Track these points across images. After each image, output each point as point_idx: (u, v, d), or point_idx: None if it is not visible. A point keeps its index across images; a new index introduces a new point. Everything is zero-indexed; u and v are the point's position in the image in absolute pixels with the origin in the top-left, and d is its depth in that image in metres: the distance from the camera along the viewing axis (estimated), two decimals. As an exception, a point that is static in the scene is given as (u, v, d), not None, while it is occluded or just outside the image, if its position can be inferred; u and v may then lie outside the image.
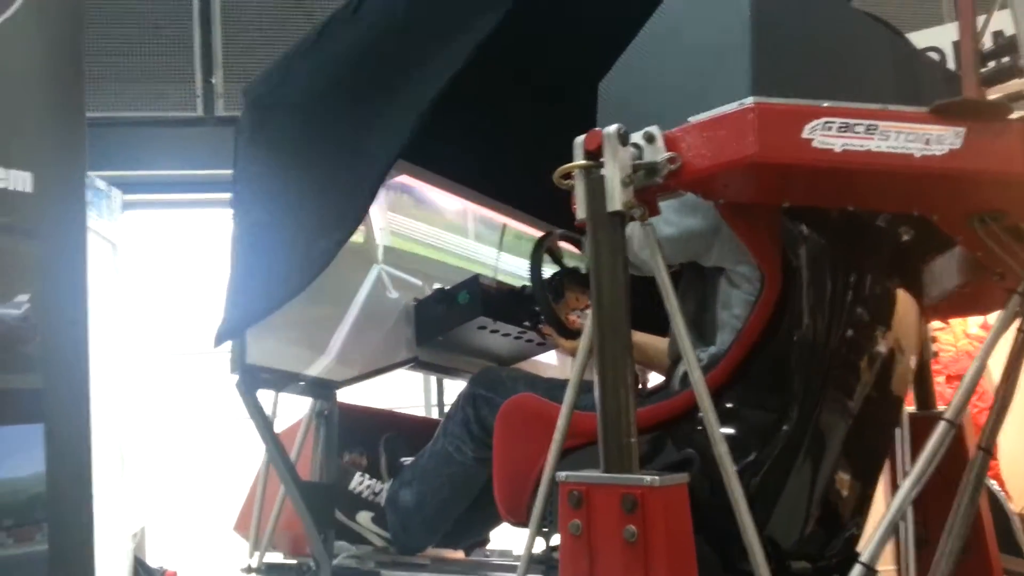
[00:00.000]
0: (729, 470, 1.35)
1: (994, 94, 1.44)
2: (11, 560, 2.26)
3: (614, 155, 1.33)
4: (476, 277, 2.56)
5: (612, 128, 1.34)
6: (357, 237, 2.57)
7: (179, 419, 5.65)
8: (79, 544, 2.37)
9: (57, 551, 2.30)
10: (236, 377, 2.19)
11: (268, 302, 2.04)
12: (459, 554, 2.60)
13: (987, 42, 1.42)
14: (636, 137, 1.34)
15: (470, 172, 2.72)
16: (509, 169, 2.61)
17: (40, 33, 2.34)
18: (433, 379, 3.36)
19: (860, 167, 1.32)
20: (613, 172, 1.34)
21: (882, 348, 1.73)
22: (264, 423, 2.20)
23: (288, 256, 2.01)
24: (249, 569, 2.35)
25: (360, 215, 2.02)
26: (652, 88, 1.43)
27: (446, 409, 2.96)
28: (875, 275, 1.71)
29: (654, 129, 1.33)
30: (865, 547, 1.51)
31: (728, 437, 1.43)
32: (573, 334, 2.24)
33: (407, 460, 2.38)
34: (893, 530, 1.60)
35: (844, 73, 1.37)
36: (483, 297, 2.51)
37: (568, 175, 1.40)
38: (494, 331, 2.58)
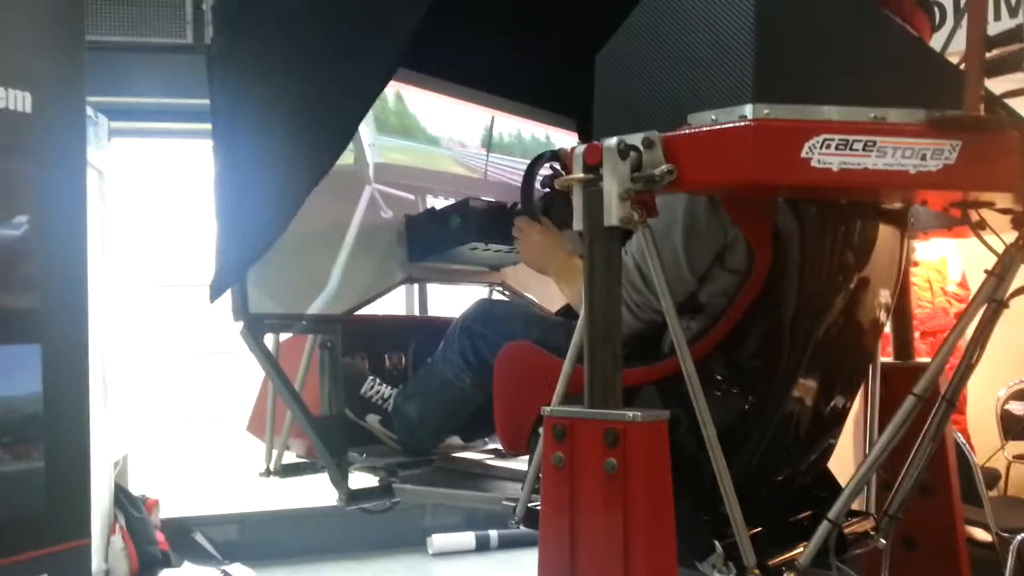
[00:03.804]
0: (712, 436, 1.44)
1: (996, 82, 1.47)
2: (9, 476, 2.35)
3: (614, 170, 1.35)
4: (467, 201, 2.58)
5: (612, 142, 1.35)
6: (347, 159, 2.56)
7: (164, 349, 5.72)
8: (75, 462, 2.45)
9: (53, 468, 2.38)
10: (239, 324, 2.20)
11: (262, 240, 2.00)
12: (463, 450, 2.70)
13: (991, 20, 1.44)
14: (635, 140, 1.37)
15: (466, 69, 2.70)
16: (508, 60, 2.61)
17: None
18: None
19: (857, 186, 1.37)
20: (612, 187, 1.36)
21: (858, 283, 1.78)
22: (273, 366, 2.24)
23: (276, 187, 1.97)
24: (268, 472, 2.42)
25: (352, 130, 1.98)
26: (650, 75, 1.43)
27: (428, 311, 3.11)
28: (862, 222, 1.76)
29: (654, 135, 1.35)
30: (833, 507, 1.63)
31: (713, 399, 1.51)
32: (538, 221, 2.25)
33: None
34: (859, 492, 1.70)
35: (848, 71, 1.37)
36: (475, 221, 2.54)
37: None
38: (485, 249, 2.65)
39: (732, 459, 1.47)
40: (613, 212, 1.37)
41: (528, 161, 2.40)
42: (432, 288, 3.14)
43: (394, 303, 3.34)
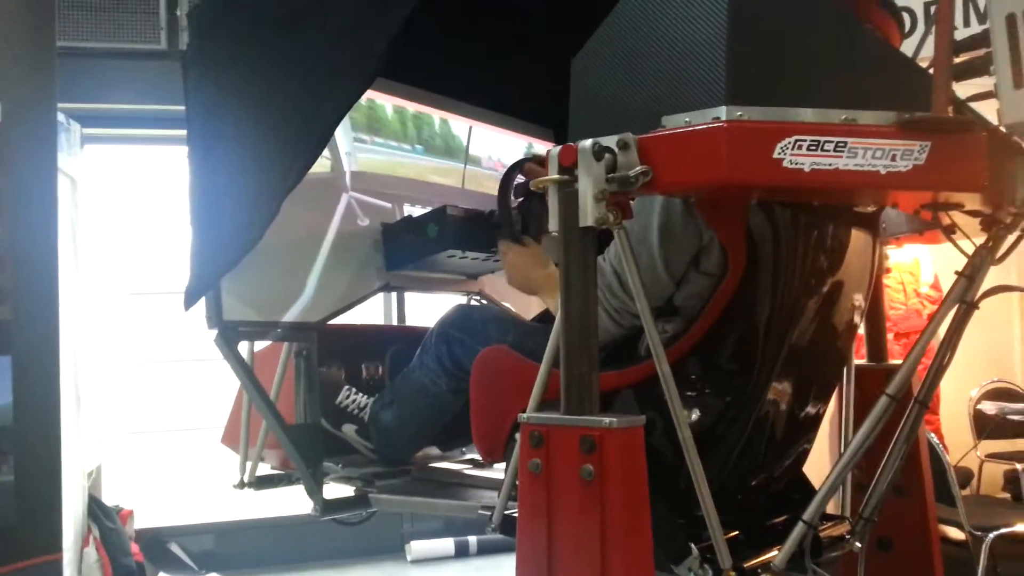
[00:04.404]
0: (687, 438, 1.45)
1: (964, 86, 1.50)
2: (-23, 489, 2.31)
3: (588, 171, 1.36)
4: (444, 208, 2.57)
5: (587, 143, 1.37)
6: (324, 167, 2.56)
7: (138, 358, 5.67)
8: (46, 475, 2.42)
9: (23, 482, 2.35)
10: (213, 331, 2.20)
11: (237, 248, 1.98)
12: (441, 459, 2.71)
13: (960, 27, 1.47)
14: (610, 142, 1.37)
15: (442, 78, 2.71)
16: (485, 70, 2.62)
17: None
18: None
19: (828, 187, 1.40)
20: (587, 188, 1.37)
21: (831, 287, 1.81)
22: (247, 374, 2.23)
23: (249, 196, 1.96)
24: (241, 484, 2.40)
25: (327, 136, 1.97)
26: (625, 78, 1.45)
27: (406, 320, 3.12)
28: (834, 226, 1.78)
29: (628, 137, 1.37)
30: (808, 508, 1.65)
31: (688, 400, 1.53)
32: (520, 242, 2.24)
33: None
34: (834, 492, 1.72)
35: (820, 74, 1.40)
36: (452, 229, 2.54)
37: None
38: (463, 257, 2.64)
39: (708, 461, 1.49)
40: (588, 213, 1.37)
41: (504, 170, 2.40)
42: (410, 297, 3.14)
43: (372, 312, 3.34)
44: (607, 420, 1.36)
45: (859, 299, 1.93)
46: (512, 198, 2.35)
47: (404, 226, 2.69)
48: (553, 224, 1.42)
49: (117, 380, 5.25)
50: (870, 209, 1.86)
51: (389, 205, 2.80)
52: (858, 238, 1.83)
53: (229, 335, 2.20)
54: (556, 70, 1.71)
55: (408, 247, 2.63)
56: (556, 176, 1.40)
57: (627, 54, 1.44)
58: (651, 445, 1.44)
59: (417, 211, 2.80)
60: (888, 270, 2.38)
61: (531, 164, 2.36)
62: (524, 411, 1.49)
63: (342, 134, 2.69)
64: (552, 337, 1.54)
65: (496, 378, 1.98)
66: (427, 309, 3.04)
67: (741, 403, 1.73)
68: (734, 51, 1.33)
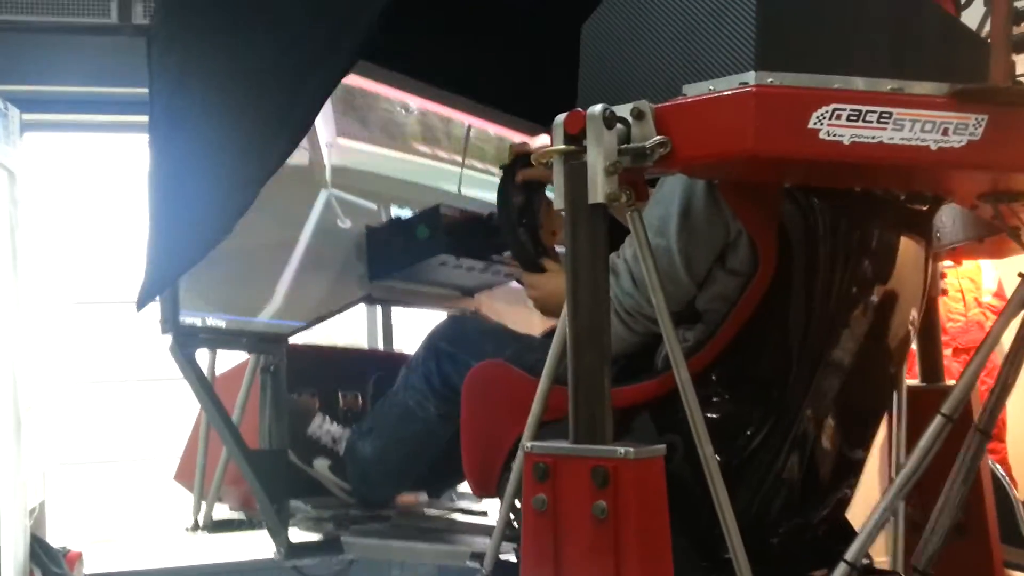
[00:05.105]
0: (710, 458, 1.42)
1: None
2: None
3: (599, 140, 1.34)
4: (437, 208, 2.57)
5: (597, 109, 1.34)
6: (301, 159, 2.56)
7: (85, 376, 5.65)
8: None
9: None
10: (168, 337, 2.19)
11: (199, 244, 1.99)
12: (428, 506, 2.69)
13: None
14: (623, 111, 1.36)
15: (436, 67, 2.72)
16: (483, 60, 2.64)
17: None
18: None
19: (871, 162, 1.37)
20: (596, 159, 1.34)
21: (880, 299, 1.80)
22: (203, 388, 2.20)
23: (219, 184, 1.96)
24: (195, 526, 2.38)
25: (307, 123, 1.98)
26: (641, 43, 1.44)
27: (394, 343, 3.11)
28: (881, 230, 1.76)
29: (644, 104, 1.34)
30: (852, 545, 1.64)
31: (712, 422, 1.51)
32: (543, 270, 2.24)
33: None
34: (882, 526, 1.70)
35: (861, 40, 1.39)
36: (445, 231, 2.53)
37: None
38: (457, 266, 2.63)
39: (734, 495, 1.47)
40: (598, 188, 1.35)
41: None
42: (400, 318, 3.13)
43: (354, 333, 3.34)
44: (622, 450, 1.34)
45: (913, 315, 1.91)
46: (514, 201, 2.32)
47: (391, 228, 2.70)
48: (559, 202, 1.40)
49: (62, 403, 5.23)
50: (922, 208, 1.84)
51: (375, 206, 2.81)
52: (909, 245, 1.82)
53: (185, 341, 2.18)
54: (554, 64, 1.74)
55: (394, 252, 2.63)
56: (562, 147, 1.38)
57: (642, 20, 1.44)
58: (670, 472, 1.43)
59: (407, 215, 2.80)
60: (944, 275, 2.36)
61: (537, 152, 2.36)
62: (522, 435, 1.47)
63: (323, 122, 2.70)
64: (555, 341, 1.52)
65: (490, 396, 1.96)
66: (419, 332, 3.03)
67: (773, 426, 1.72)
68: (763, 11, 1.32)
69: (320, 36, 1.81)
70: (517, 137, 3.18)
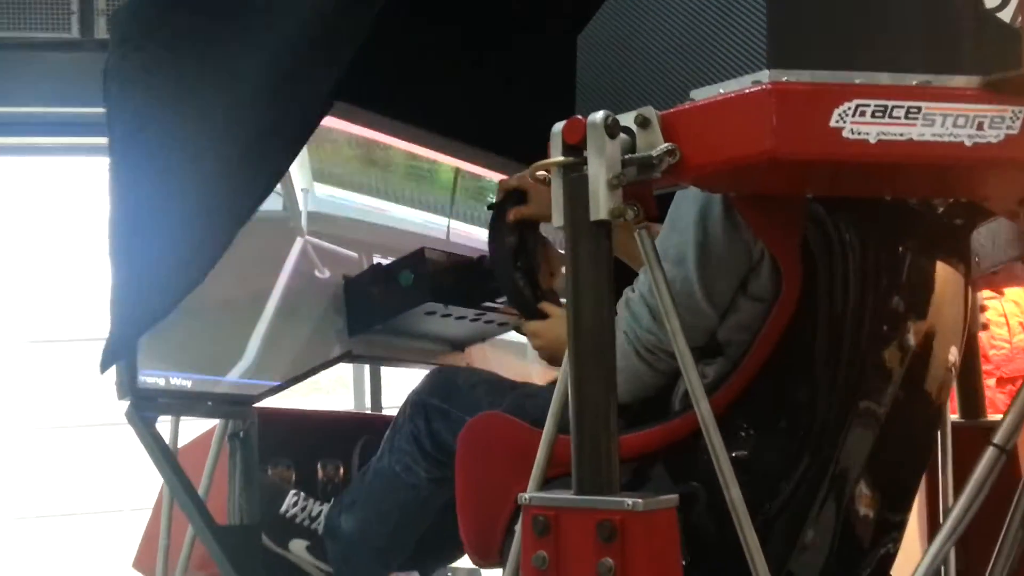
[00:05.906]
0: (737, 501, 1.35)
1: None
2: None
3: (600, 150, 1.31)
4: (421, 251, 2.49)
5: (598, 116, 1.31)
6: (275, 205, 2.51)
7: (37, 422, 5.45)
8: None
9: None
10: (125, 403, 2.09)
11: (165, 298, 1.93)
12: None
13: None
14: (627, 120, 1.33)
15: (419, 107, 2.67)
16: (469, 101, 2.61)
17: None
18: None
19: (900, 161, 1.34)
20: (599, 171, 1.31)
21: (917, 338, 1.76)
22: (164, 457, 2.11)
23: (187, 234, 1.92)
24: None
25: (282, 168, 1.96)
26: (644, 49, 1.42)
27: (382, 405, 3.04)
28: (914, 254, 1.74)
29: (649, 111, 1.32)
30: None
31: (738, 465, 1.44)
32: (546, 316, 2.17)
33: None
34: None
35: (882, 34, 1.34)
36: (431, 277, 2.44)
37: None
38: (445, 315, 2.55)
39: (763, 553, 1.40)
40: (601, 203, 1.30)
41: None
42: (390, 378, 3.05)
43: (338, 397, 3.25)
44: (630, 501, 1.28)
45: (953, 354, 1.87)
46: (507, 242, 2.22)
47: (371, 276, 2.62)
48: (558, 219, 1.36)
49: (11, 450, 5.08)
50: (958, 222, 1.81)
51: (355, 255, 2.75)
52: (946, 272, 1.79)
53: (144, 406, 2.10)
54: (541, 102, 1.70)
55: (376, 302, 2.55)
56: (560, 158, 1.34)
57: (644, 24, 1.42)
58: (691, 524, 1.41)
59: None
60: (985, 308, 2.26)
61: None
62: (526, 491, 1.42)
63: (298, 168, 2.66)
64: (559, 382, 1.47)
65: (489, 452, 1.89)
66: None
67: (804, 471, 1.65)
68: (775, 4, 1.28)
69: (298, 76, 1.79)
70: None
